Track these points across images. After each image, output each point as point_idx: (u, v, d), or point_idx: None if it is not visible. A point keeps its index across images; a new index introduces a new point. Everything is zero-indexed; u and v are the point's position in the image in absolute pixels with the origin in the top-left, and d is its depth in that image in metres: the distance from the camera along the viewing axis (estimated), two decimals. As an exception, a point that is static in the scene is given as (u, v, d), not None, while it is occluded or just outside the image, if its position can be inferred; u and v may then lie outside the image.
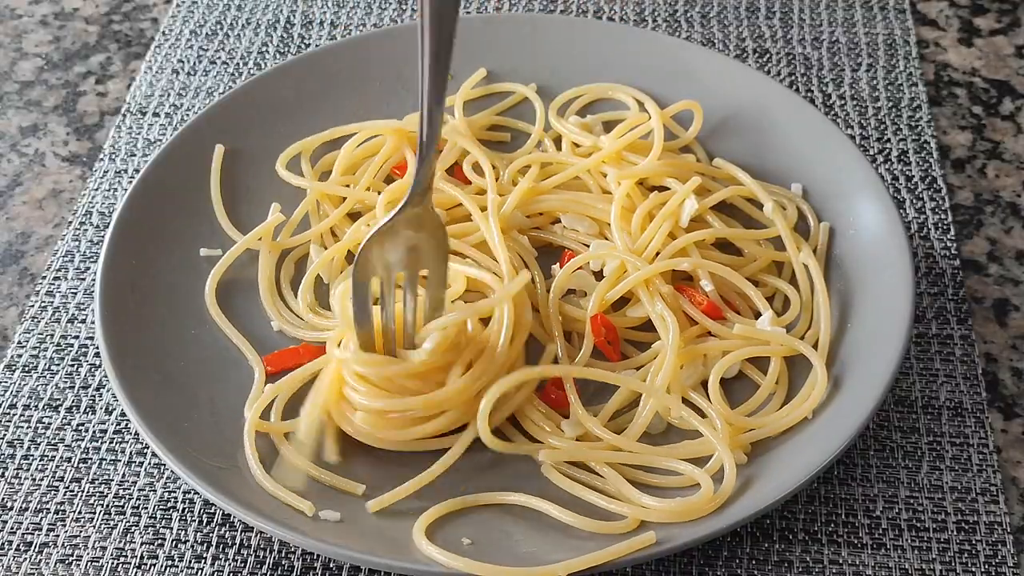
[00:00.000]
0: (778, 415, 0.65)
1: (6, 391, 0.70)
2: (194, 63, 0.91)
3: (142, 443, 0.67)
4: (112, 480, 0.66)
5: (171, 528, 0.64)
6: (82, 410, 0.69)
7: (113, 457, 0.67)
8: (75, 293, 0.75)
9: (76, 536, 0.64)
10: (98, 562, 0.63)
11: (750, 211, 0.76)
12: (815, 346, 0.68)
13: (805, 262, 0.72)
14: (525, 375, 0.65)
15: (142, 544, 0.63)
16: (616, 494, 0.62)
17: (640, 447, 0.64)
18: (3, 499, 0.65)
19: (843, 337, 0.68)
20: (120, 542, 0.63)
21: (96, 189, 0.81)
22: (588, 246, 0.73)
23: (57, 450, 0.67)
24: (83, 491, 0.65)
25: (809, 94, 0.88)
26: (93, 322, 0.71)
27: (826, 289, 0.70)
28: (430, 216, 0.64)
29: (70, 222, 0.79)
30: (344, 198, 0.77)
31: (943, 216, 0.79)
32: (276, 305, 0.72)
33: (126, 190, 0.77)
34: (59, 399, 0.70)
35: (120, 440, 0.68)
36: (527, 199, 0.75)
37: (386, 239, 0.63)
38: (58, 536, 0.64)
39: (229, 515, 0.64)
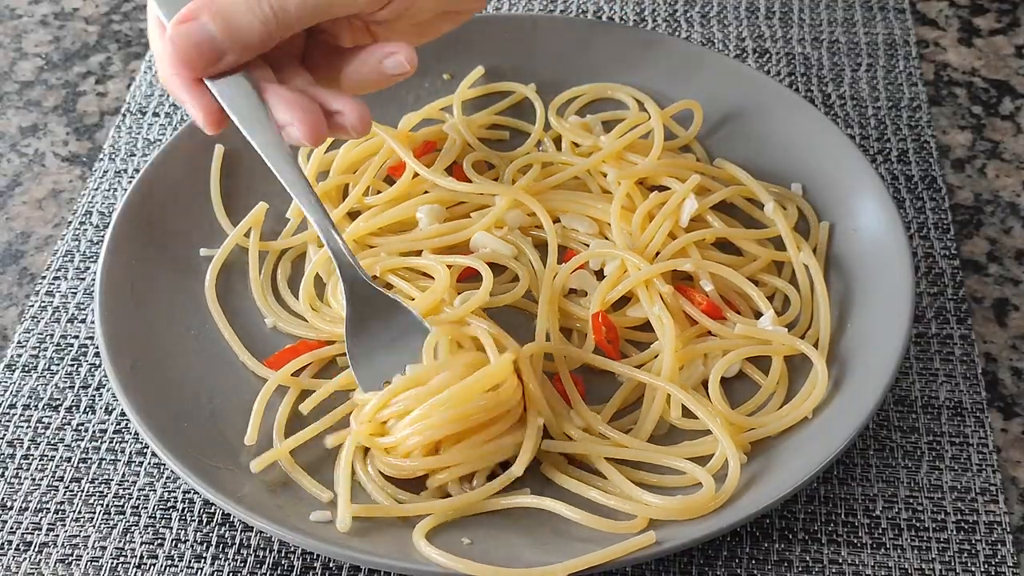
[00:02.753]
0: (778, 414, 0.65)
1: (6, 391, 0.70)
2: (194, 63, 0.91)
3: (142, 443, 0.67)
4: (112, 480, 0.66)
5: (171, 528, 0.64)
6: (82, 410, 0.69)
7: (113, 457, 0.67)
8: (75, 293, 0.75)
9: (76, 536, 0.64)
10: (98, 562, 0.63)
11: (750, 211, 0.76)
12: (815, 345, 0.68)
13: (805, 262, 0.72)
14: (536, 348, 0.66)
15: (142, 544, 0.63)
16: (618, 492, 0.62)
17: (644, 445, 0.64)
18: (3, 499, 0.65)
19: (843, 337, 0.68)
20: (120, 542, 0.63)
21: (96, 189, 0.81)
22: (588, 246, 0.73)
23: (57, 450, 0.67)
24: (83, 491, 0.65)
25: (809, 94, 0.88)
26: (93, 322, 0.71)
27: (826, 289, 0.70)
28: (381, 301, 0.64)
29: (70, 222, 0.79)
30: (344, 197, 0.77)
31: (943, 216, 0.79)
32: (268, 302, 0.72)
33: (126, 190, 0.77)
34: (59, 399, 0.70)
35: (120, 440, 0.68)
36: (534, 192, 0.75)
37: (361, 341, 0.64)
38: (58, 536, 0.64)
39: (229, 515, 0.64)
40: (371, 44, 0.62)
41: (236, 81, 0.60)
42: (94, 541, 0.63)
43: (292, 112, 0.59)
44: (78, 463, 0.67)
